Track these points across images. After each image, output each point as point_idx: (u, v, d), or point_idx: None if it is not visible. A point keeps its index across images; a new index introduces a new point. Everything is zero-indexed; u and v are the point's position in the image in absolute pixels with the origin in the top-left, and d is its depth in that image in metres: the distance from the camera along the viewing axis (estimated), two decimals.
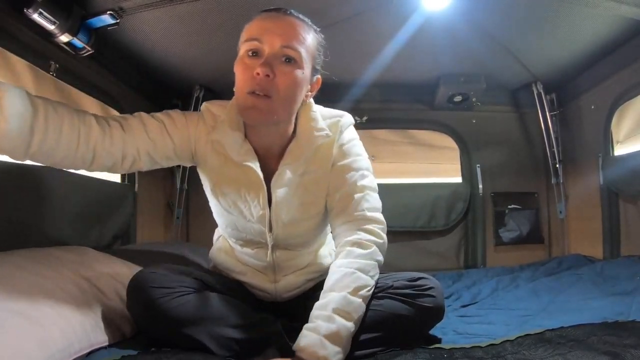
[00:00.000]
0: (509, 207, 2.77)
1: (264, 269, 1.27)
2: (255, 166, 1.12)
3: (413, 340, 1.11)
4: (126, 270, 1.35)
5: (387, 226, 1.15)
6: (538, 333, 1.08)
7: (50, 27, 1.48)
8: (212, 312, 1.07)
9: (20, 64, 1.54)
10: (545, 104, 2.61)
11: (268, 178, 1.14)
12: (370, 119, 2.69)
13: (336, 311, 0.95)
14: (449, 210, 2.73)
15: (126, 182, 2.24)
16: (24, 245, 1.33)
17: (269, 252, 1.22)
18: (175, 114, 1.18)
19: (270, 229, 1.19)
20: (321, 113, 1.19)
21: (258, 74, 0.99)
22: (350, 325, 0.95)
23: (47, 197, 1.58)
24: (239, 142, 1.13)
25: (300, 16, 1.09)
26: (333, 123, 1.18)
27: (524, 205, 2.79)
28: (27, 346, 0.84)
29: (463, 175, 2.84)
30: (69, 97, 1.80)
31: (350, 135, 1.22)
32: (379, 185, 1.21)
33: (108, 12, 1.52)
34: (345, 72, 2.17)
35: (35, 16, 1.42)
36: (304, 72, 1.06)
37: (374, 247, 1.08)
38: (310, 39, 1.07)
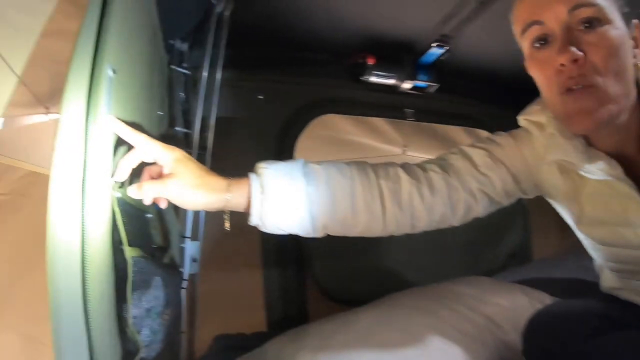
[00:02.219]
0: None
1: None
2: (621, 177, 0.80)
3: None
4: (525, 302, 1.31)
5: None
6: None
7: (390, 81, 1.59)
8: (623, 355, 0.86)
9: (379, 122, 1.72)
10: None
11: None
12: None
13: None
14: None
15: None
16: (423, 281, 1.43)
17: None
18: (500, 137, 0.95)
19: None
20: None
21: (563, 64, 0.72)
22: None
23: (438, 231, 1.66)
24: (583, 151, 0.83)
25: None
26: None
27: None
28: None
29: None
30: (434, 134, 1.87)
31: None
32: None
33: (435, 45, 1.49)
34: None
35: (373, 79, 1.55)
36: (617, 26, 0.74)
37: None
38: None
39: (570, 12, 0.73)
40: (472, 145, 0.94)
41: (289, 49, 1.51)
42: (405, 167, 0.91)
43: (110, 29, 0.63)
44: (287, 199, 0.80)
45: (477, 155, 0.92)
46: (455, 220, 0.93)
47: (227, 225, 0.84)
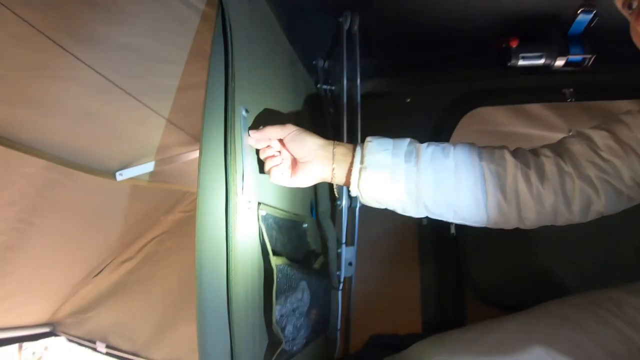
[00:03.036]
0: None
1: None
2: None
3: None
4: None
5: None
6: None
7: (540, 61, 1.45)
8: None
9: (536, 108, 1.60)
10: None
11: None
12: None
13: None
14: None
15: None
16: (588, 286, 1.23)
17: None
18: (629, 116, 0.81)
19: None
20: None
21: None
22: None
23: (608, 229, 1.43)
24: None
25: None
26: None
27: None
28: None
29: None
30: (602, 112, 1.67)
31: None
32: None
33: (580, 11, 1.32)
34: None
35: (521, 62, 1.44)
36: None
37: None
38: None
39: None
40: (594, 127, 0.82)
41: (429, 49, 1.49)
42: (515, 151, 0.85)
43: (237, 75, 0.75)
44: (384, 173, 0.81)
45: (599, 137, 0.80)
46: (574, 216, 0.81)
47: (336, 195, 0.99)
